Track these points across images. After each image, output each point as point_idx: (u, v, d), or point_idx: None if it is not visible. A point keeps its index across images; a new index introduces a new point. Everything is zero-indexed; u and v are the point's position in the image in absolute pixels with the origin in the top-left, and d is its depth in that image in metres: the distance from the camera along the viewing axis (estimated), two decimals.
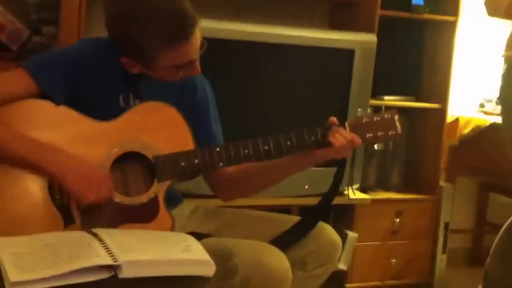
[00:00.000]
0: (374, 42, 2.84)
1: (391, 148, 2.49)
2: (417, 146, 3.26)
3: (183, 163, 1.65)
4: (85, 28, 2.38)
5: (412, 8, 3.02)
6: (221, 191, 1.89)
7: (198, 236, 1.64)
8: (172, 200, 1.78)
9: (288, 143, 1.71)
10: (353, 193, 2.86)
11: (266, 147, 1.70)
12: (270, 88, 2.72)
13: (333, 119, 1.75)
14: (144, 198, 1.63)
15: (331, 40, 2.79)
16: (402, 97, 3.12)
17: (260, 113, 2.69)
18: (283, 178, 1.81)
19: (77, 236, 1.48)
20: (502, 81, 2.37)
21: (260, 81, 2.70)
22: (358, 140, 1.72)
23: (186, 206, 1.92)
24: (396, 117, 1.76)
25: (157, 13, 1.57)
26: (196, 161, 1.66)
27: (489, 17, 2.36)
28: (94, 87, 1.69)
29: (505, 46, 2.36)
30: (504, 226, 2.45)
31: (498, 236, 2.46)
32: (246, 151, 1.69)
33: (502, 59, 2.37)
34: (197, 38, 1.63)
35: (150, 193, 1.64)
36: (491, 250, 2.48)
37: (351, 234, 2.86)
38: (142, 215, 1.62)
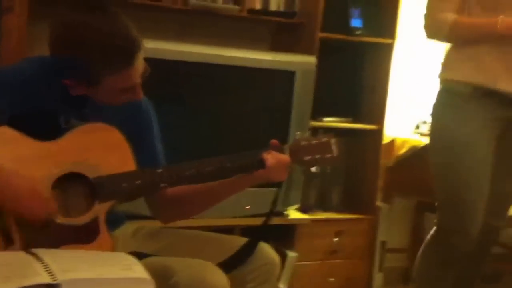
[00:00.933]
0: (314, 64, 2.90)
1: (328, 171, 2.56)
2: (355, 166, 3.32)
3: (124, 184, 1.65)
4: (27, 47, 2.36)
5: (351, 30, 3.11)
6: (161, 213, 1.89)
7: (140, 255, 1.65)
8: (114, 221, 1.77)
9: (229, 165, 1.73)
10: (290, 214, 2.91)
11: (208, 169, 1.72)
12: (212, 109, 2.75)
13: (274, 141, 1.78)
14: (85, 219, 1.62)
15: (272, 62, 2.84)
16: (341, 119, 3.18)
17: (203, 134, 2.71)
18: (223, 199, 1.83)
19: (16, 256, 1.47)
20: (436, 98, 2.47)
21: (202, 101, 2.72)
22: (286, 159, 1.75)
23: (129, 227, 1.91)
24: (333, 140, 1.81)
25: (104, 36, 1.58)
26: (138, 182, 1.67)
27: (428, 39, 2.45)
28: (36, 107, 1.67)
29: (441, 68, 2.46)
30: (423, 247, 2.54)
31: (420, 256, 2.54)
32: (188, 172, 1.71)
33: (439, 80, 2.48)
34: (140, 62, 1.65)
35: (91, 214, 1.63)
36: (416, 270, 2.57)
37: (291, 254, 2.89)
38: (83, 236, 1.61)
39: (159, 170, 1.70)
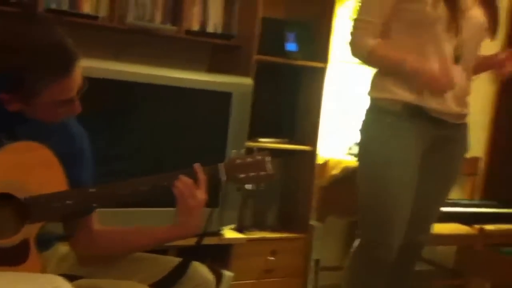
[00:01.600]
0: (250, 86, 2.94)
1: (262, 189, 2.58)
2: (291, 186, 3.37)
3: (55, 204, 1.63)
4: None
5: (286, 54, 3.17)
6: (80, 245, 1.84)
7: (71, 277, 1.62)
8: (45, 242, 1.74)
9: (165, 183, 1.73)
10: (226, 233, 2.92)
11: (142, 188, 1.71)
12: (149, 129, 2.74)
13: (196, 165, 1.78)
14: (14, 240, 1.59)
15: (209, 83, 2.86)
16: (277, 140, 3.22)
17: (139, 155, 2.70)
18: (147, 245, 1.83)
19: None
20: (365, 115, 2.53)
21: (138, 121, 2.71)
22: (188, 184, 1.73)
23: (60, 249, 1.88)
24: (267, 158, 1.82)
25: (39, 45, 1.56)
26: (69, 202, 1.64)
27: (352, 57, 2.50)
28: None
29: (370, 85, 2.52)
30: (349, 260, 2.59)
31: (347, 269, 2.59)
32: (121, 192, 1.70)
33: (368, 97, 2.53)
34: (78, 74, 1.63)
35: (20, 235, 1.60)
36: (344, 282, 2.61)
37: (227, 274, 2.89)
38: (12, 258, 1.58)
39: (92, 190, 1.68)
